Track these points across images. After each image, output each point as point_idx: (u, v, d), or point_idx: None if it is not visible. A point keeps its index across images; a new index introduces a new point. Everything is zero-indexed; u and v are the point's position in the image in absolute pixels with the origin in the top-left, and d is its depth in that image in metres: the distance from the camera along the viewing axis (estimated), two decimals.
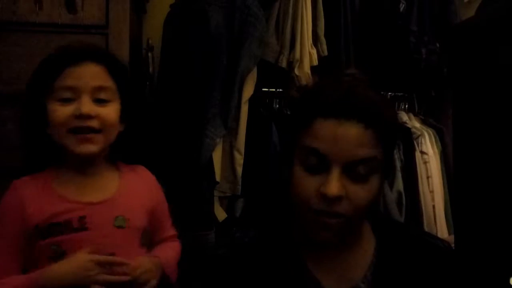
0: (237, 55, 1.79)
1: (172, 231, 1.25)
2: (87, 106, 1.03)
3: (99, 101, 1.05)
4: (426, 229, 1.97)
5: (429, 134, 2.10)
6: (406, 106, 2.23)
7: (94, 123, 1.04)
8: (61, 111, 1.03)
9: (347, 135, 0.72)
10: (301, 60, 1.90)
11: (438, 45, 2.05)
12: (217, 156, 1.79)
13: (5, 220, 1.05)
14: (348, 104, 0.73)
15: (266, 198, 1.79)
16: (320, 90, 0.76)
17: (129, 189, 1.13)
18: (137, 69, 1.90)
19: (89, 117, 1.03)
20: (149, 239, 1.16)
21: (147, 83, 2.01)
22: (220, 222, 1.80)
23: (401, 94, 2.21)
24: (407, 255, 0.82)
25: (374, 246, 0.83)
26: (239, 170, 1.82)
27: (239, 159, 1.82)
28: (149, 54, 2.01)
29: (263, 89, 2.01)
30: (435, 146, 2.10)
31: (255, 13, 1.81)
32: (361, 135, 0.72)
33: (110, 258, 1.03)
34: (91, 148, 1.05)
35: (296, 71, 1.89)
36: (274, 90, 2.06)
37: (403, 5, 2.02)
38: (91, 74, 1.05)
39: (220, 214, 1.83)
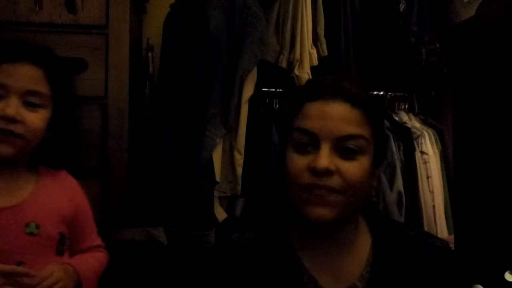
0: (237, 55, 1.79)
1: (97, 241, 1.18)
2: (13, 108, 0.96)
3: (29, 105, 0.99)
4: (426, 229, 1.97)
5: (429, 134, 2.10)
6: (406, 106, 2.23)
7: (17, 128, 0.97)
8: None
9: (333, 112, 0.76)
10: (301, 60, 1.90)
11: (438, 45, 2.05)
12: (217, 156, 1.79)
13: None
14: (334, 87, 0.78)
15: (266, 198, 1.79)
16: (310, 80, 0.83)
17: (45, 194, 1.05)
18: (137, 69, 1.90)
19: (13, 120, 0.96)
20: (69, 248, 1.09)
21: (147, 83, 2.01)
22: (220, 222, 1.81)
23: (401, 94, 2.21)
24: (403, 254, 0.82)
25: (371, 244, 0.84)
26: (239, 170, 1.82)
27: (239, 159, 1.82)
28: (149, 54, 2.01)
29: (263, 89, 2.01)
30: (435, 146, 2.10)
31: (255, 13, 1.81)
32: (348, 113, 0.76)
33: (14, 267, 0.93)
34: (7, 150, 0.98)
35: (296, 71, 1.89)
36: (274, 90, 2.06)
37: (403, 5, 2.02)
38: (26, 76, 0.99)
39: (220, 214, 1.82)
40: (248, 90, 1.83)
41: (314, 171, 0.74)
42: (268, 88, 2.04)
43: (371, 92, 0.89)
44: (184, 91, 1.80)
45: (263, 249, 0.84)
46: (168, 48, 1.86)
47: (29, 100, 0.99)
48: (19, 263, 0.96)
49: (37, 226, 1.00)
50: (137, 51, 1.95)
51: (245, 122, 1.83)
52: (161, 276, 1.63)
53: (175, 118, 1.80)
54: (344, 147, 0.76)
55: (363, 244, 0.84)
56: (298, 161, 0.77)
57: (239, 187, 1.82)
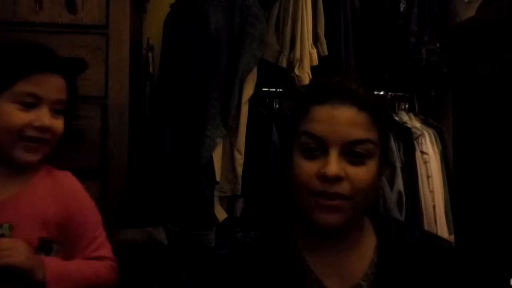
0: (237, 55, 1.79)
1: (100, 252, 1.09)
2: (48, 118, 1.01)
3: (55, 112, 1.03)
4: (426, 229, 1.97)
5: (429, 134, 2.10)
6: (406, 106, 2.23)
7: (47, 135, 1.02)
8: (19, 117, 0.98)
9: (341, 117, 0.76)
10: (301, 60, 1.90)
11: (438, 45, 2.05)
12: (217, 156, 1.79)
13: None
14: (341, 89, 0.78)
15: (266, 198, 1.79)
16: (315, 82, 0.82)
17: (33, 195, 1.03)
18: (137, 69, 1.90)
19: (45, 129, 1.01)
20: (65, 254, 1.05)
21: (147, 83, 2.01)
22: (220, 222, 1.81)
23: (401, 94, 2.21)
24: (408, 254, 0.82)
25: (376, 245, 0.84)
26: (239, 170, 1.82)
27: (239, 159, 1.82)
28: (149, 54, 2.01)
29: (263, 89, 2.01)
30: (435, 146, 2.10)
31: (255, 13, 1.81)
32: (355, 117, 0.76)
33: None
34: (35, 158, 1.02)
35: (296, 71, 1.89)
36: (274, 90, 2.06)
37: (403, 5, 2.02)
38: (56, 86, 1.03)
39: (220, 214, 1.82)
40: (248, 90, 1.83)
41: (324, 178, 0.74)
42: (268, 88, 2.04)
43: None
44: (184, 91, 1.80)
45: (268, 249, 0.84)
46: (168, 48, 1.86)
47: (56, 108, 1.03)
48: None
49: (10, 228, 0.97)
50: (137, 51, 1.95)
51: (245, 122, 1.83)
52: (161, 276, 1.63)
53: (175, 118, 1.80)
54: (352, 152, 0.75)
55: (368, 244, 0.84)
56: (307, 167, 0.76)
57: (239, 187, 1.82)
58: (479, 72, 1.03)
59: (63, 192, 1.07)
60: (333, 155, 0.74)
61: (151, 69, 2.01)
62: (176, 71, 1.82)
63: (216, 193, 1.82)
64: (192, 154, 1.76)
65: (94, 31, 1.61)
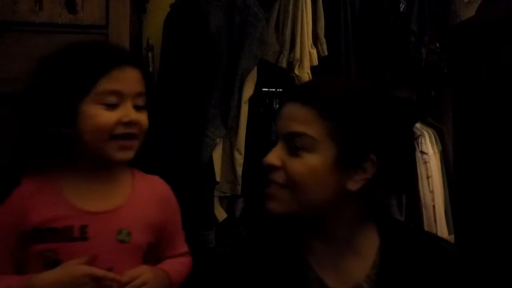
0: (237, 55, 1.79)
1: (183, 248, 1.17)
2: (133, 113, 1.00)
3: (137, 108, 1.01)
4: (426, 229, 1.97)
5: (429, 134, 2.11)
6: None
7: (135, 130, 1.01)
8: (106, 117, 0.97)
9: (285, 112, 0.81)
10: (301, 60, 1.90)
11: (438, 45, 2.05)
12: (217, 156, 1.79)
13: (3, 217, 0.99)
14: (297, 87, 0.88)
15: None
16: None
17: (139, 200, 1.06)
18: None
19: (134, 124, 1.00)
20: (156, 256, 1.09)
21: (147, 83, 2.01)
22: (220, 222, 1.81)
23: None
24: (411, 256, 0.82)
25: (378, 246, 0.83)
26: (239, 170, 1.82)
27: (239, 159, 1.82)
28: (149, 54, 2.01)
29: (263, 89, 2.01)
30: (435, 146, 2.10)
31: (255, 13, 1.81)
32: (295, 111, 0.79)
33: (105, 273, 0.94)
34: (130, 154, 1.02)
35: (296, 71, 1.90)
36: (274, 90, 2.07)
37: (403, 5, 2.03)
38: (134, 79, 1.02)
39: (220, 214, 1.83)
40: (248, 90, 1.83)
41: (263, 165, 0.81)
42: (268, 88, 2.04)
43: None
44: (184, 91, 1.80)
45: (270, 247, 0.84)
46: (168, 48, 1.87)
47: (137, 103, 1.01)
48: (110, 269, 0.96)
49: (129, 234, 1.01)
50: (137, 51, 1.95)
51: (245, 122, 1.83)
52: None
53: (175, 118, 1.80)
54: (291, 144, 0.79)
55: (370, 246, 0.83)
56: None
57: (239, 187, 1.82)
58: (479, 72, 1.03)
59: (160, 196, 1.10)
60: (277, 147, 0.81)
61: (151, 69, 2.01)
62: (176, 71, 1.82)
63: (216, 193, 1.82)
64: (192, 154, 1.76)
65: (94, 31, 1.61)
